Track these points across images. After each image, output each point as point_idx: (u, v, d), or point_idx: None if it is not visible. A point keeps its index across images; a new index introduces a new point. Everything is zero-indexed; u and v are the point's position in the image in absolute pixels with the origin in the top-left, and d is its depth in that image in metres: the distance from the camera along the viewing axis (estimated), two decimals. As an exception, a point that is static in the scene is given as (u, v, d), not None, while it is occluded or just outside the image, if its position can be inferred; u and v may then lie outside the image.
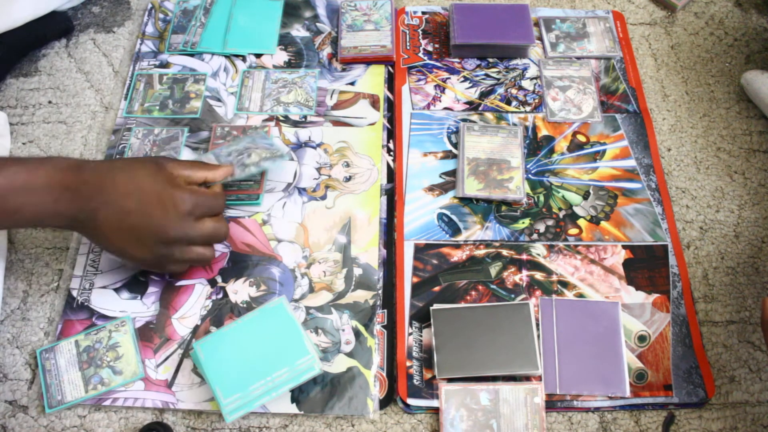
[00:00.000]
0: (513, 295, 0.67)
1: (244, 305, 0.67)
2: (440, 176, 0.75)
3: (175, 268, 0.64)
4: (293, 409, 0.61)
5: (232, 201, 0.72)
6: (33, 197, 0.55)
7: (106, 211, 0.56)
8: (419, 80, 0.82)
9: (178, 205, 0.58)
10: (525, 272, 0.69)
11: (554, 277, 0.68)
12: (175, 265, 0.62)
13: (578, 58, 0.84)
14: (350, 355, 0.64)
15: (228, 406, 0.58)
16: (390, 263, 0.70)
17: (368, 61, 0.83)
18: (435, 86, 0.82)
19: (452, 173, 0.75)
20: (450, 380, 0.62)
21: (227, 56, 0.84)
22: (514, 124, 0.78)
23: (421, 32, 0.87)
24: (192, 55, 0.84)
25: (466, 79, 0.82)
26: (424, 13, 0.89)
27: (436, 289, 0.68)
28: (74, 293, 0.68)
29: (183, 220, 0.58)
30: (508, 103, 0.80)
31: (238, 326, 0.61)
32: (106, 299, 0.67)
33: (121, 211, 0.57)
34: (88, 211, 0.56)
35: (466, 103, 0.80)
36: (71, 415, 0.62)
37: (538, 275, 0.68)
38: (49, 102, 0.81)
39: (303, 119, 0.79)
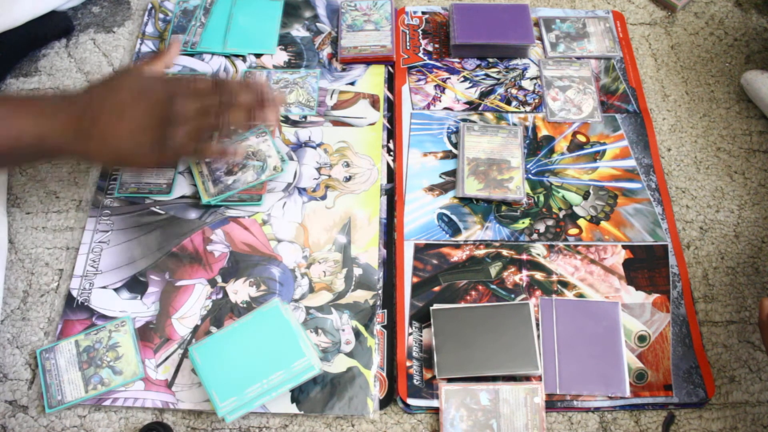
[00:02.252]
0: (513, 295, 0.67)
1: (244, 305, 0.67)
2: (440, 176, 0.75)
3: (180, 147, 0.61)
4: (293, 409, 0.61)
5: (233, 201, 0.72)
6: (32, 119, 0.57)
7: (108, 108, 0.58)
8: (419, 80, 0.82)
9: (169, 80, 0.60)
10: (525, 272, 0.69)
11: (554, 277, 0.68)
12: (179, 144, 0.60)
13: (578, 58, 0.84)
14: (350, 355, 0.64)
15: (224, 409, 0.58)
16: (390, 263, 0.70)
17: (368, 61, 0.83)
18: (435, 86, 0.82)
19: (452, 173, 0.75)
20: (450, 380, 0.62)
21: (227, 56, 0.84)
22: (514, 124, 0.78)
23: (421, 32, 0.87)
24: (192, 55, 0.84)
25: (466, 79, 0.82)
26: (424, 13, 0.89)
27: (436, 289, 0.68)
28: (74, 293, 0.68)
29: (178, 86, 0.60)
30: (508, 103, 0.80)
31: (234, 329, 0.61)
32: (106, 299, 0.67)
33: (120, 104, 0.58)
34: (90, 118, 0.57)
35: (466, 103, 0.80)
36: (71, 415, 0.62)
37: (538, 275, 0.68)
38: (49, 102, 0.81)
39: (303, 119, 0.79)
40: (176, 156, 0.65)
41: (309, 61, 0.84)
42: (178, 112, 0.59)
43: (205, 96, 0.60)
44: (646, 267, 0.69)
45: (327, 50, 0.85)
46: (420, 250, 0.70)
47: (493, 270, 0.69)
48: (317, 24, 0.87)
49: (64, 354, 0.64)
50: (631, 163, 0.76)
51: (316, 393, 0.62)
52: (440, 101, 0.80)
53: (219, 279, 0.68)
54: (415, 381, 0.63)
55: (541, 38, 0.85)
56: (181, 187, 0.74)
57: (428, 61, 0.84)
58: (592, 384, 0.62)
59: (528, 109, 0.80)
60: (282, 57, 0.84)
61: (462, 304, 0.66)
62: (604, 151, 0.76)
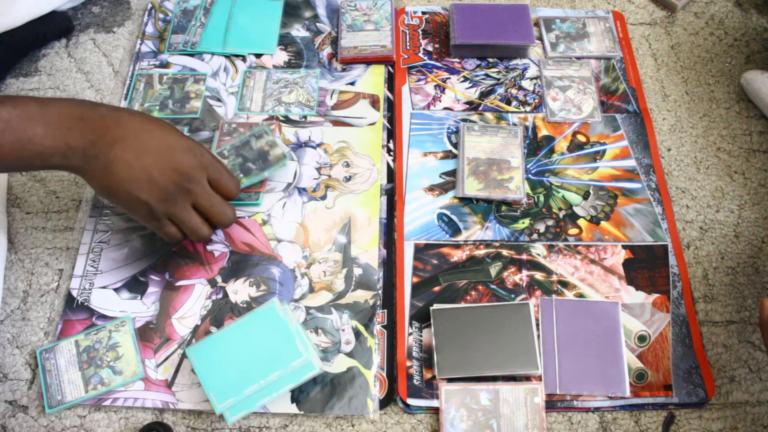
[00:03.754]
0: (513, 295, 0.67)
1: (244, 305, 0.67)
2: (440, 176, 0.75)
3: (169, 230, 0.62)
4: (293, 409, 0.61)
5: (232, 201, 0.72)
6: (45, 127, 0.53)
7: (122, 145, 0.55)
8: (419, 80, 0.82)
9: (200, 154, 0.59)
10: (525, 272, 0.69)
11: (554, 277, 0.68)
12: (169, 226, 0.61)
13: (578, 58, 0.84)
14: (350, 355, 0.64)
15: (223, 410, 0.58)
16: (390, 263, 0.70)
17: (368, 61, 0.83)
18: (435, 86, 0.82)
19: (452, 173, 0.75)
20: (450, 380, 0.62)
21: (227, 56, 0.84)
22: (514, 124, 0.78)
23: (421, 32, 0.87)
24: (192, 55, 0.84)
25: (466, 79, 0.82)
26: (424, 13, 0.89)
27: (436, 289, 0.68)
28: (74, 293, 0.68)
29: (200, 170, 0.59)
30: (508, 103, 0.80)
31: (231, 330, 0.61)
32: (106, 299, 0.67)
33: (140, 148, 0.56)
34: (102, 145, 0.55)
35: (466, 103, 0.80)
36: (71, 415, 0.62)
37: (538, 275, 0.68)
38: (49, 102, 0.81)
39: (303, 119, 0.79)
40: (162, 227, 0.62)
41: (309, 61, 0.84)
42: (176, 216, 0.61)
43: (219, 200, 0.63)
44: (646, 267, 0.69)
45: (327, 50, 0.85)
46: (420, 250, 0.70)
47: (493, 270, 0.69)
48: (317, 24, 0.87)
49: (64, 354, 0.64)
50: (631, 163, 0.76)
51: (316, 393, 0.62)
52: (440, 101, 0.80)
53: (219, 279, 0.68)
54: (415, 381, 0.63)
55: (541, 38, 0.85)
56: (181, 187, 0.74)
57: (428, 61, 0.84)
58: (592, 384, 0.62)
59: (528, 109, 0.80)
60: (282, 57, 0.84)
61: (462, 304, 0.66)
62: (604, 151, 0.76)
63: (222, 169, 0.63)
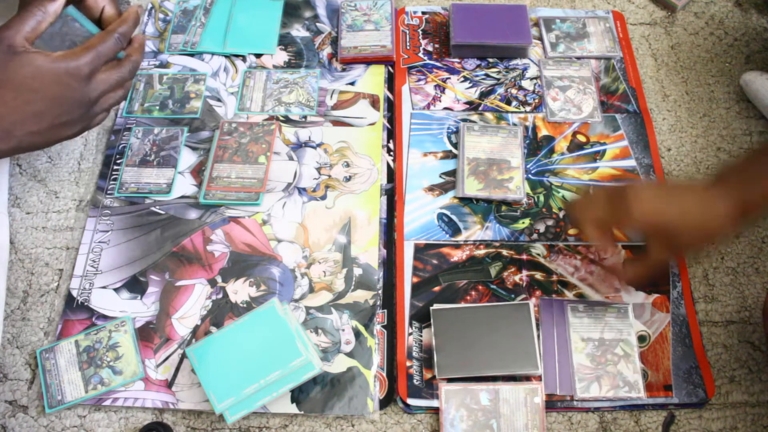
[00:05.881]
0: (513, 295, 0.67)
1: (244, 305, 0.67)
2: (440, 176, 0.75)
3: (101, 118, 0.62)
4: (293, 409, 0.61)
5: (232, 201, 0.72)
6: None
7: (20, 129, 0.54)
8: (419, 80, 0.82)
9: (80, 74, 0.55)
10: (525, 272, 0.69)
11: (554, 277, 0.68)
12: (101, 116, 0.61)
13: (578, 58, 0.84)
14: (350, 355, 0.64)
15: (223, 410, 0.58)
16: (390, 263, 0.70)
17: (368, 61, 0.83)
18: (435, 86, 0.82)
19: (452, 173, 0.75)
20: (450, 380, 0.62)
21: (227, 56, 0.84)
22: (514, 124, 0.78)
23: (421, 32, 0.87)
24: (192, 55, 0.84)
25: (466, 79, 0.82)
26: (424, 13, 0.89)
27: (436, 289, 0.68)
28: (74, 293, 0.68)
29: (91, 81, 0.57)
30: (508, 103, 0.80)
31: (231, 330, 0.61)
32: (106, 299, 0.67)
33: (35, 117, 0.54)
34: (4, 141, 0.54)
35: (466, 103, 0.80)
36: (71, 415, 0.62)
37: (538, 275, 0.68)
38: (49, 102, 0.81)
39: (303, 119, 0.79)
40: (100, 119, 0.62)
41: (309, 61, 0.84)
42: (102, 101, 0.59)
43: (114, 60, 0.59)
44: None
45: (327, 50, 0.85)
46: (420, 250, 0.70)
47: (493, 270, 0.69)
48: (317, 24, 0.87)
49: (64, 354, 0.64)
50: (631, 163, 0.76)
51: (316, 393, 0.62)
52: (440, 101, 0.80)
53: (219, 279, 0.68)
54: (415, 381, 0.63)
55: (541, 38, 0.85)
56: (181, 187, 0.74)
57: (428, 61, 0.84)
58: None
59: (528, 109, 0.80)
60: (282, 57, 0.84)
61: (462, 304, 0.66)
62: (604, 151, 0.76)
63: (101, 51, 0.57)
